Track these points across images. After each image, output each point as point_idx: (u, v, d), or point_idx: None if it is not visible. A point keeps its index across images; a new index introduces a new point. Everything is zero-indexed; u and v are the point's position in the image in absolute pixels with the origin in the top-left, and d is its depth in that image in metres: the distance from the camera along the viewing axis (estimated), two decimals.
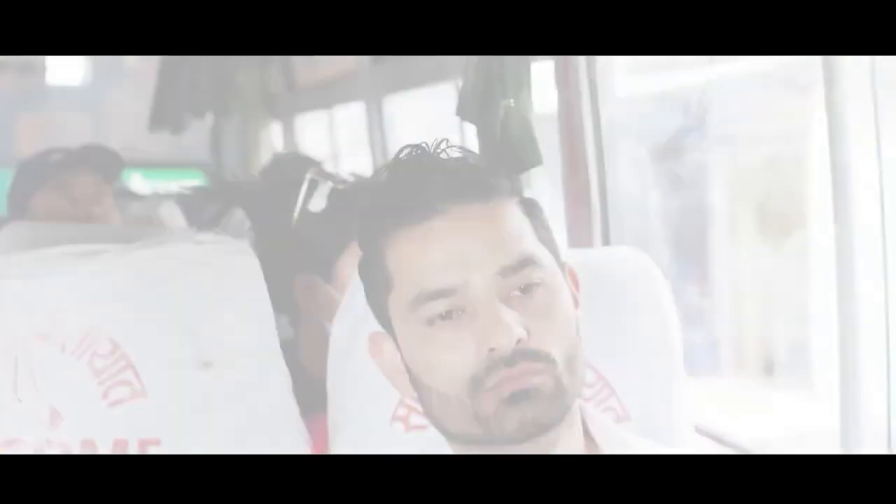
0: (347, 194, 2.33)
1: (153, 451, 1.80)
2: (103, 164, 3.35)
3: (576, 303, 1.55)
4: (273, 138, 5.36)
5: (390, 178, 1.54)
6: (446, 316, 1.49)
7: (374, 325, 1.61)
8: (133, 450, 1.79)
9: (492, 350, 1.47)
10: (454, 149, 1.54)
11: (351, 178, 2.38)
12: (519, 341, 1.47)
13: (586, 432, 1.58)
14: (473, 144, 2.02)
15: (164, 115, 5.02)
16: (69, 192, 3.27)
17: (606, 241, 2.63)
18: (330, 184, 2.34)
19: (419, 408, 1.75)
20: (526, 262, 1.50)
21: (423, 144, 1.54)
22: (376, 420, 1.79)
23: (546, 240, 1.55)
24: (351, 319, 1.80)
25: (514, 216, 1.54)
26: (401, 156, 1.54)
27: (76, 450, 1.78)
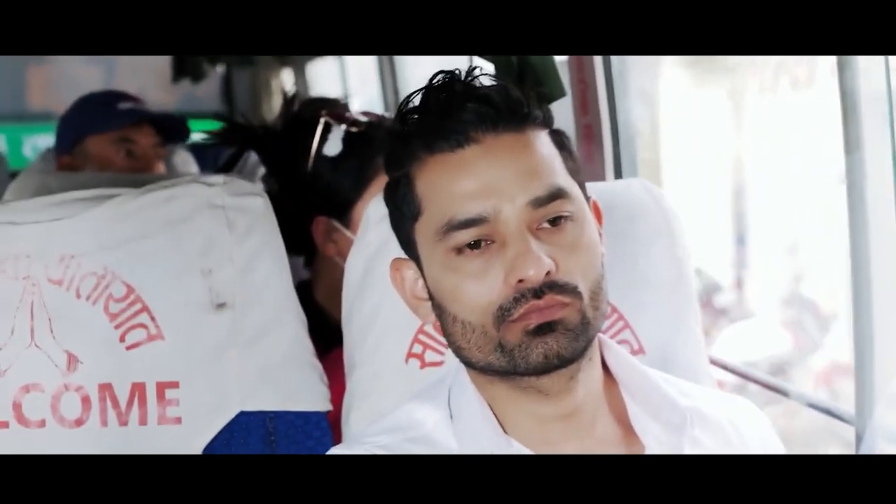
0: (363, 136, 2.32)
1: (172, 394, 1.81)
2: (169, 129, 3.37)
3: (600, 237, 1.55)
4: (285, 84, 5.35)
5: (423, 102, 1.54)
6: (475, 245, 1.49)
7: (388, 261, 1.61)
8: (151, 393, 1.80)
9: (520, 281, 1.47)
10: (486, 77, 1.54)
11: (365, 119, 2.37)
12: (547, 273, 1.47)
13: (604, 365, 1.59)
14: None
15: (184, 65, 5.03)
16: (129, 146, 3.29)
17: (619, 177, 2.63)
18: (344, 127, 2.34)
19: (435, 344, 1.76)
20: (556, 195, 1.50)
21: (456, 71, 1.53)
22: (392, 357, 1.79)
23: (574, 172, 1.55)
24: (365, 256, 1.81)
25: (546, 147, 1.53)
26: (433, 82, 1.54)
27: (94, 394, 1.79)
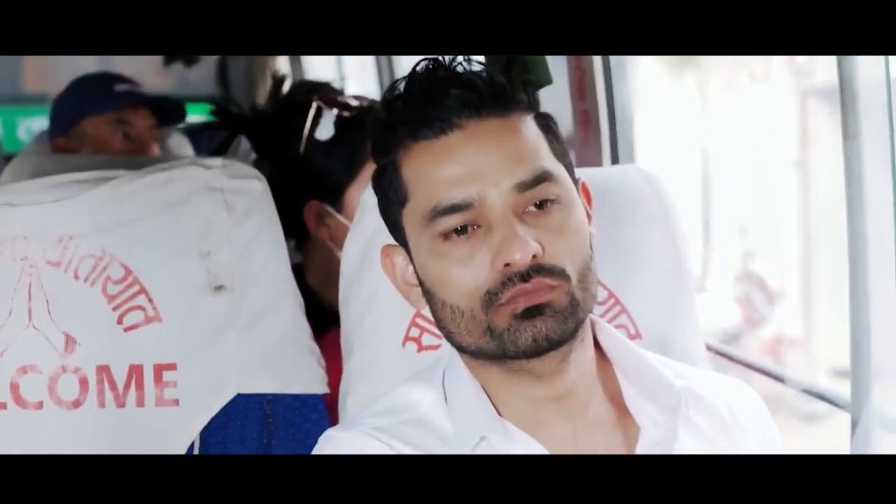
0: (355, 120, 2.32)
1: (169, 376, 1.81)
2: (165, 112, 3.38)
3: (589, 218, 1.56)
4: (280, 67, 5.35)
5: (407, 90, 1.54)
6: (461, 230, 1.49)
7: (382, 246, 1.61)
8: (149, 375, 1.81)
9: (507, 265, 1.47)
10: (470, 62, 1.54)
11: (357, 104, 2.37)
12: (534, 257, 1.47)
13: (597, 346, 1.59)
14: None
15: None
16: (125, 129, 3.29)
17: (615, 162, 2.64)
18: (335, 111, 2.34)
19: (431, 328, 1.77)
20: (542, 178, 1.50)
21: (440, 58, 1.54)
22: (389, 341, 1.80)
23: (561, 155, 1.55)
24: (362, 241, 1.81)
25: (531, 131, 1.53)
26: (417, 69, 1.54)
27: (91, 376, 1.80)
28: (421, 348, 1.80)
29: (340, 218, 2.30)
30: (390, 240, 1.60)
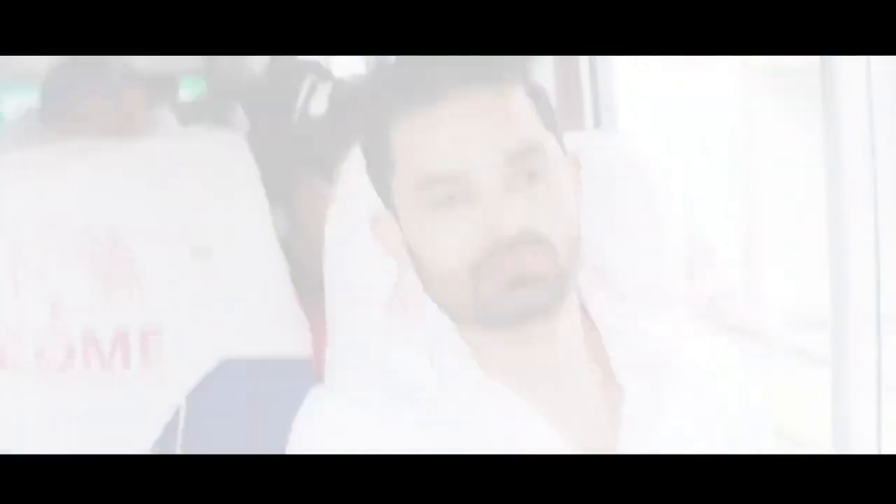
0: (349, 96, 2.33)
1: (154, 340, 1.83)
2: (159, 87, 3.39)
3: (578, 190, 1.56)
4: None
5: (397, 63, 1.55)
6: (450, 200, 1.50)
7: (369, 210, 1.62)
8: (134, 340, 1.82)
9: (494, 235, 1.48)
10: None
11: (351, 80, 2.38)
12: (521, 227, 1.48)
13: (584, 311, 1.60)
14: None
15: None
16: (123, 108, 3.30)
17: (598, 125, 2.64)
18: (331, 84, 2.34)
19: (416, 289, 1.78)
20: (531, 149, 1.51)
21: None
22: (374, 303, 1.81)
23: (551, 125, 1.56)
24: (344, 206, 1.82)
25: (520, 102, 1.53)
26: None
27: (77, 341, 1.81)
28: (406, 310, 1.80)
29: (331, 191, 2.30)
30: (373, 203, 1.60)
